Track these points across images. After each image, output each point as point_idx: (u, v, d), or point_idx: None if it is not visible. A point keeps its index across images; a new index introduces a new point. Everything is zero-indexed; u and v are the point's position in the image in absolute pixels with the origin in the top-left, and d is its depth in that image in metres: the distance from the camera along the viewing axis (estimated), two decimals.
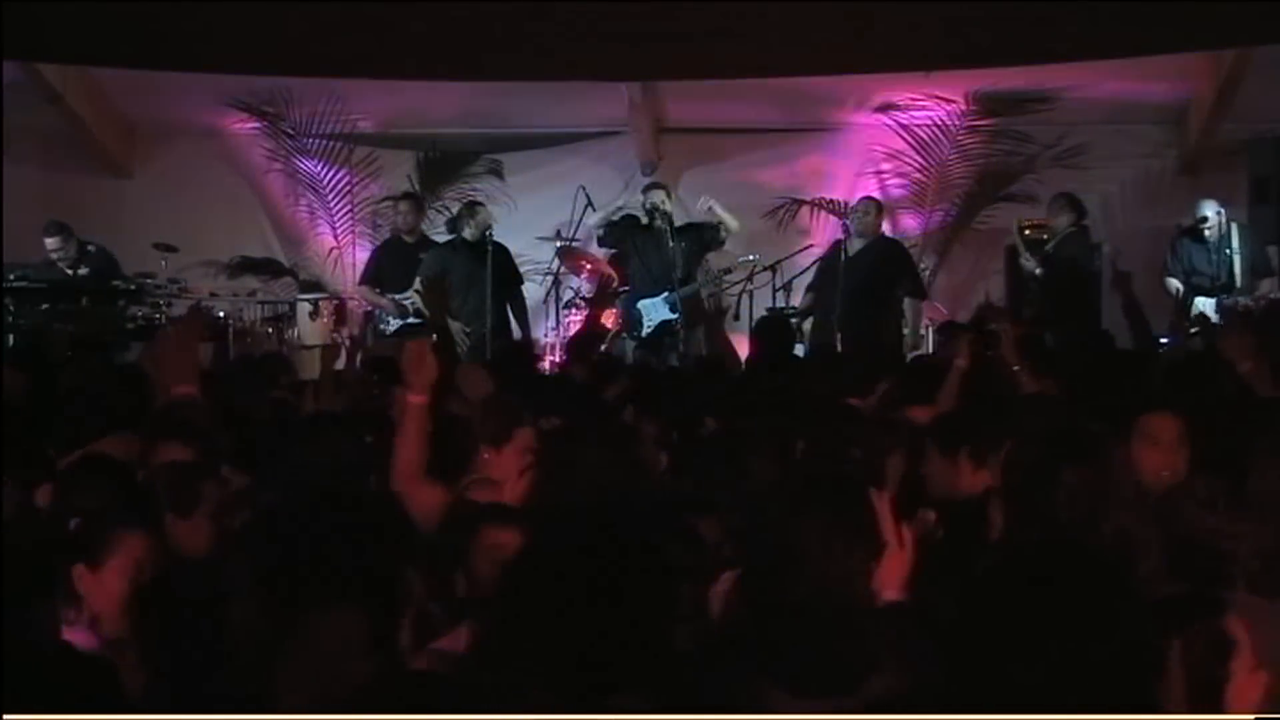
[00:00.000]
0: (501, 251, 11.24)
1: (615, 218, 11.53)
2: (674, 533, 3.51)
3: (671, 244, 11.17)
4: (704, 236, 11.42)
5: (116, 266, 11.44)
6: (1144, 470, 4.33)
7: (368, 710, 2.69)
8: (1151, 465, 4.39)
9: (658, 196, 11.34)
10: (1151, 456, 4.47)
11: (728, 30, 9.79)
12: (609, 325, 11.74)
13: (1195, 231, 11.21)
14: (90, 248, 11.38)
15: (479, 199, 12.01)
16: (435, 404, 5.02)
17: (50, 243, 11.27)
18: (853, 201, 12.22)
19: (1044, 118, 12.51)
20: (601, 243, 11.79)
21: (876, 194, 12.94)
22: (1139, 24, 9.67)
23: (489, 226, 11.16)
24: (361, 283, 11.79)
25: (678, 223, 11.35)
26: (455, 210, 12.75)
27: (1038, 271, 11.26)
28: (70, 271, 11.32)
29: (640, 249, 11.38)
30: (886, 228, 12.48)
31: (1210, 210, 11.08)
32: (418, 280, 11.26)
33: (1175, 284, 11.24)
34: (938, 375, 6.48)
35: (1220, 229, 11.06)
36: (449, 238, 11.52)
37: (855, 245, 10.97)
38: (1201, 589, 3.14)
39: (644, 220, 11.28)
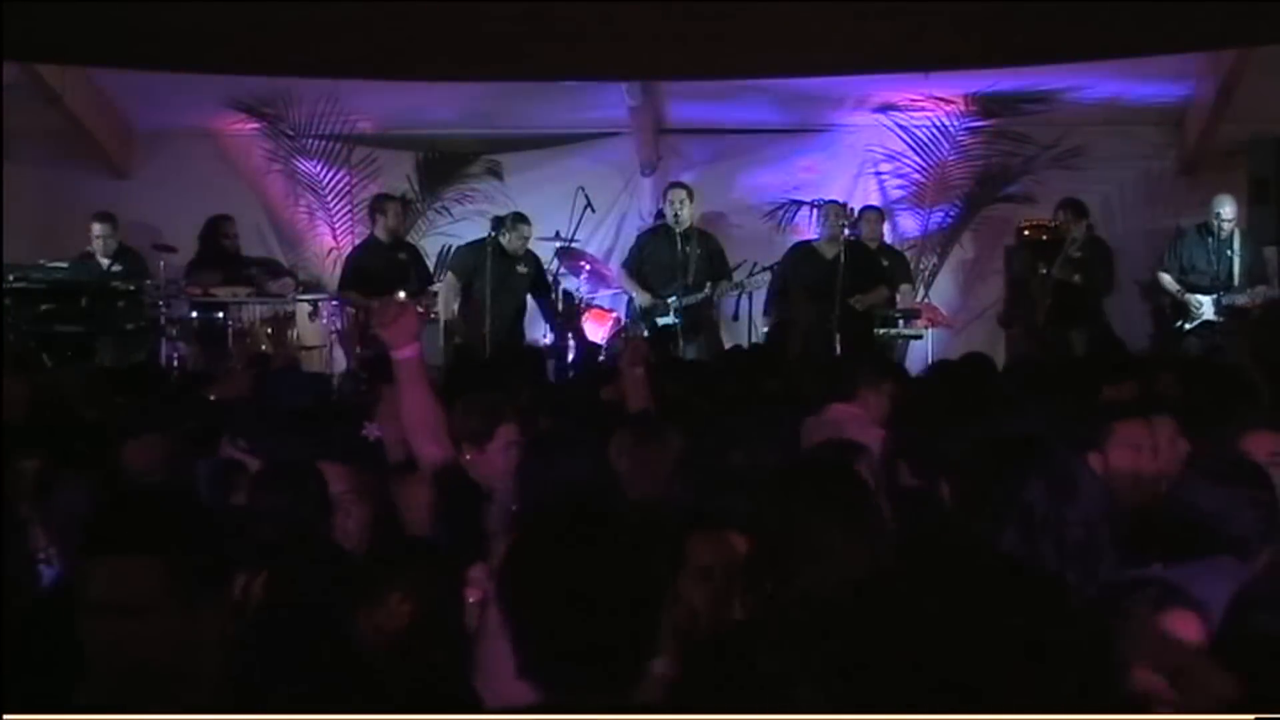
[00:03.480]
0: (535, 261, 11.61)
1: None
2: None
3: (685, 249, 11.22)
4: (713, 258, 11.44)
5: (146, 270, 11.59)
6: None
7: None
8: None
9: (674, 197, 11.42)
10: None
11: (728, 30, 9.79)
12: (610, 325, 11.76)
13: (1203, 228, 11.23)
14: (128, 247, 11.75)
15: (519, 210, 12.06)
16: None
17: (98, 228, 11.64)
18: (854, 203, 12.29)
19: (1043, 118, 12.50)
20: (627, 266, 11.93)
21: (876, 194, 13.02)
22: (1139, 24, 9.67)
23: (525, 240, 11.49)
24: (344, 287, 11.79)
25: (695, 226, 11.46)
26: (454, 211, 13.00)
27: (1076, 279, 11.24)
28: (106, 262, 11.59)
29: (653, 250, 11.46)
30: (886, 229, 12.59)
31: (1228, 207, 11.10)
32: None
33: (1168, 279, 11.26)
34: None
35: (1229, 229, 11.11)
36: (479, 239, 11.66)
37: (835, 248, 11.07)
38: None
39: (664, 221, 11.43)
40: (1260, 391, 6.15)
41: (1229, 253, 11.15)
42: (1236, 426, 4.33)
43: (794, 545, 3.08)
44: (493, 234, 11.47)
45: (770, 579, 3.09)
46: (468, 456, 4.96)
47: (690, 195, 11.58)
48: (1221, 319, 11.01)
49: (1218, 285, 11.11)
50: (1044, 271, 11.56)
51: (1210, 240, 11.21)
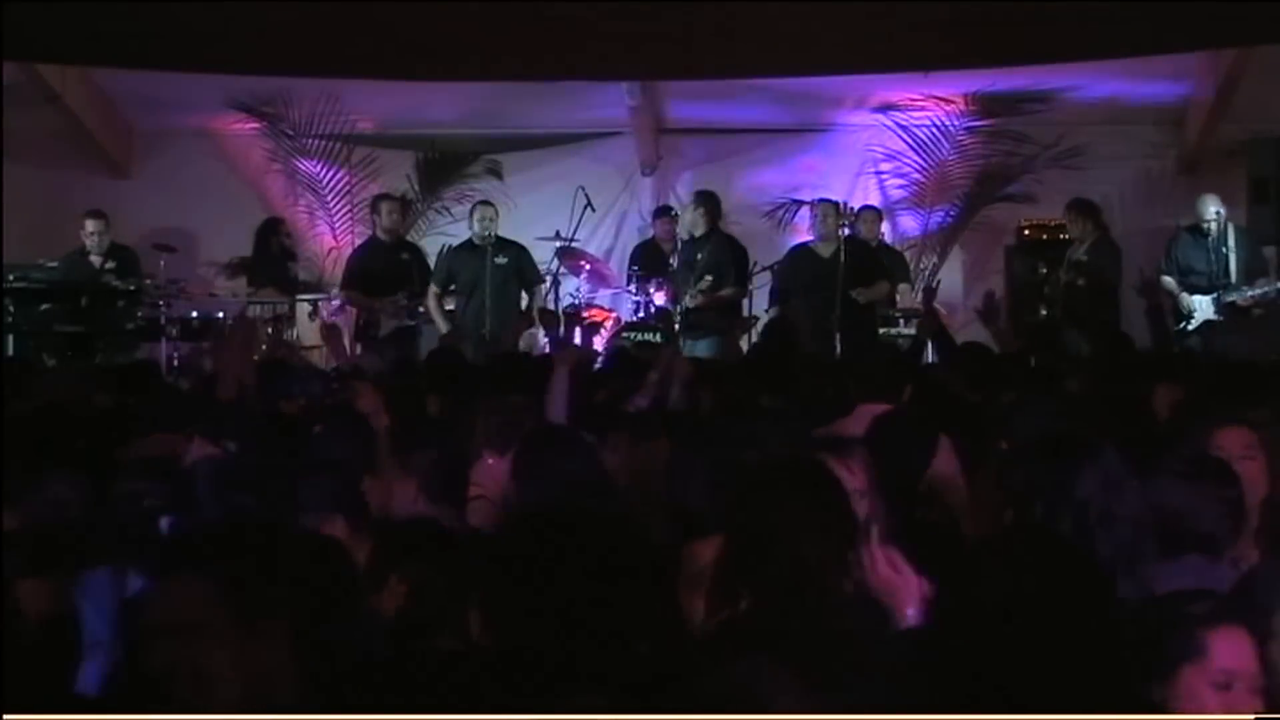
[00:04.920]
0: (515, 251, 11.50)
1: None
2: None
3: (690, 256, 11.43)
4: (721, 263, 11.50)
5: (140, 267, 11.59)
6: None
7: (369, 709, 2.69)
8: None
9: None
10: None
11: (728, 30, 9.79)
12: (609, 326, 11.75)
13: (1195, 229, 11.21)
14: (122, 245, 11.71)
15: (486, 198, 12.10)
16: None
17: (91, 225, 11.54)
18: (853, 203, 12.29)
19: (1043, 118, 12.51)
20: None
21: (876, 194, 13.02)
22: (1139, 24, 9.67)
23: (490, 226, 11.33)
24: (345, 287, 11.81)
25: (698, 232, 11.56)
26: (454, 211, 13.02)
27: (1080, 282, 11.22)
28: (99, 260, 11.55)
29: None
30: (886, 229, 12.59)
31: (1213, 207, 11.08)
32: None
33: (1170, 281, 11.23)
34: None
35: (1220, 226, 11.08)
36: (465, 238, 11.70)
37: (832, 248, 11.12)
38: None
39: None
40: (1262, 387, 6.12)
41: (1224, 250, 11.11)
42: (1211, 421, 4.32)
43: (761, 546, 3.06)
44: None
45: (741, 583, 3.07)
46: (489, 461, 4.94)
47: (698, 202, 11.67)
48: (1222, 318, 10.97)
49: (1216, 285, 11.07)
50: (1043, 271, 11.54)
51: (1205, 240, 11.15)
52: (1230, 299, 10.96)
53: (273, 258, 11.99)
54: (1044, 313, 11.51)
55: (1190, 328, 11.01)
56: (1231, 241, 11.12)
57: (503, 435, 4.96)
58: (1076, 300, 11.21)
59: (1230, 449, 4.08)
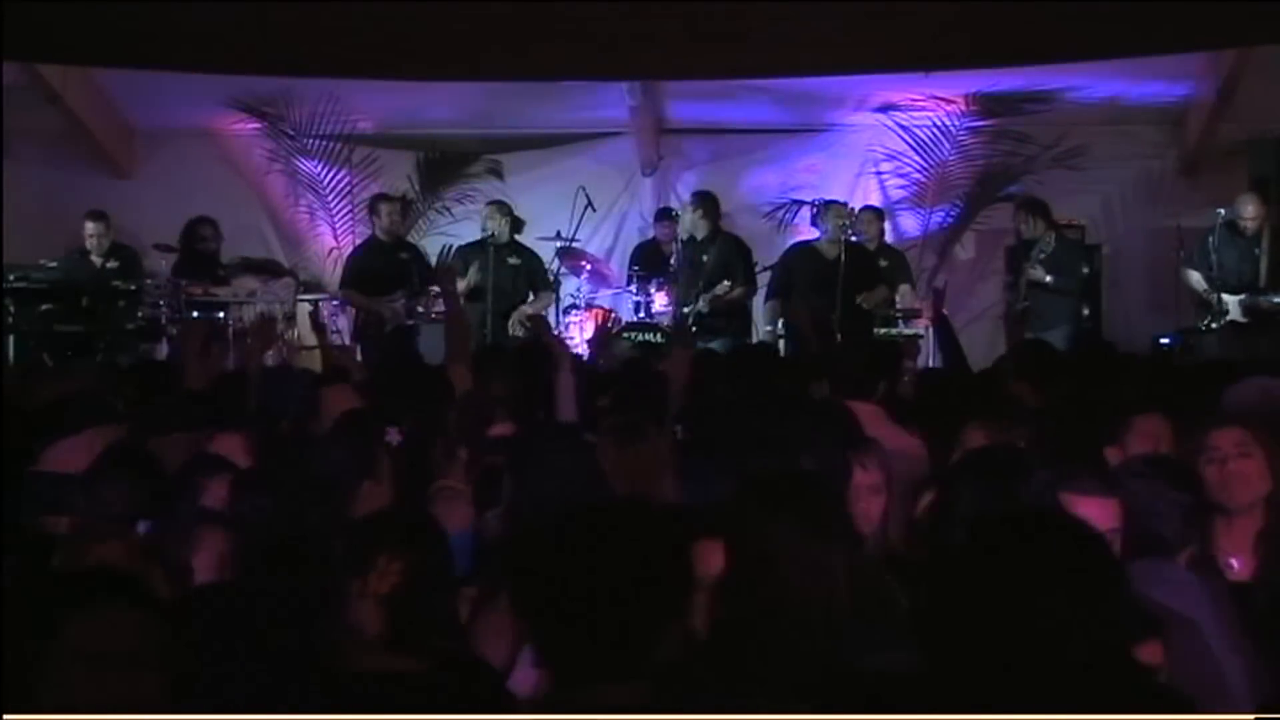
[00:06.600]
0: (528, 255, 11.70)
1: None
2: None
3: (692, 257, 11.51)
4: (727, 264, 11.57)
5: (141, 267, 11.59)
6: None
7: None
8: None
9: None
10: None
11: (728, 30, 9.79)
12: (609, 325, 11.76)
13: (1231, 226, 11.04)
14: (123, 245, 11.77)
15: (493, 198, 12.17)
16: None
17: (91, 227, 11.59)
18: (854, 203, 12.29)
19: (1044, 118, 12.51)
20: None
21: (877, 194, 13.03)
22: (1139, 24, 9.67)
23: (502, 225, 11.54)
24: (345, 287, 11.82)
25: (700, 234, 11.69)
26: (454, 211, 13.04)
27: (1048, 279, 11.18)
28: (100, 260, 11.56)
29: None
30: (887, 229, 12.59)
31: (1250, 206, 10.99)
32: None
33: (1196, 277, 11.14)
34: None
35: (1256, 227, 10.98)
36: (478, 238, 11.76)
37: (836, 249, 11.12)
38: None
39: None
40: None
41: (1256, 252, 11.03)
42: (1206, 420, 4.32)
43: (758, 555, 3.05)
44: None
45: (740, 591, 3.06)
46: (462, 455, 4.98)
47: (696, 204, 11.75)
48: (1249, 319, 10.88)
49: (1244, 285, 10.97)
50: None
51: (1241, 240, 11.03)
52: (1254, 301, 10.86)
53: (196, 256, 11.92)
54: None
55: (1213, 326, 10.89)
56: (1265, 244, 11.02)
57: (475, 427, 5.00)
58: (1040, 300, 11.19)
59: (1225, 448, 4.08)
